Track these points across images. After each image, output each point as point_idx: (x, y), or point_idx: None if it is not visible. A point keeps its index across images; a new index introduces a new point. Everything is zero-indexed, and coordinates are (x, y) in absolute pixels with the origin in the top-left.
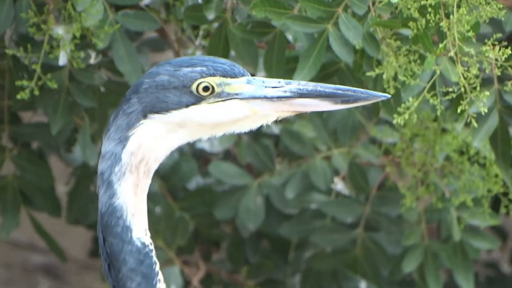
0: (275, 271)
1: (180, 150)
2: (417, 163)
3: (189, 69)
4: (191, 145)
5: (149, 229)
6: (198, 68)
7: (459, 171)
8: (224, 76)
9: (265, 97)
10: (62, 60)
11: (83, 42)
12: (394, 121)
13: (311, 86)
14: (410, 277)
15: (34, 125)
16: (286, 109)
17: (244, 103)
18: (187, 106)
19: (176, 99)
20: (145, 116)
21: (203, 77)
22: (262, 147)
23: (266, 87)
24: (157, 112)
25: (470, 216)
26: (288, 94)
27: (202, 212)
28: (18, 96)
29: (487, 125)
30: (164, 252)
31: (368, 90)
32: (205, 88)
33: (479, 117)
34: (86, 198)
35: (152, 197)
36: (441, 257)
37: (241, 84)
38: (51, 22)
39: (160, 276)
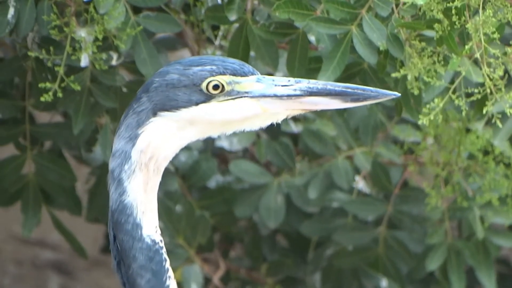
0: (295, 269)
1: (199, 149)
2: (441, 163)
3: (199, 68)
4: (210, 144)
5: (170, 228)
6: (208, 67)
7: (483, 170)
8: (234, 74)
9: (275, 96)
10: (84, 61)
11: (105, 43)
12: (420, 122)
13: (320, 84)
14: (431, 275)
15: (54, 125)
16: (296, 107)
17: (254, 101)
18: (197, 104)
19: (186, 97)
20: (155, 114)
21: (213, 75)
22: (282, 145)
23: (276, 85)
24: (167, 110)
25: (494, 214)
26: (298, 92)
27: (222, 211)
28: (42, 98)
29: (507, 125)
30: (184, 250)
31: (378, 89)
32: (215, 87)
33: (500, 117)
34: (106, 197)
35: (172, 196)
36: (464, 255)
37: (251, 83)
38: (73, 24)
39: (171, 272)
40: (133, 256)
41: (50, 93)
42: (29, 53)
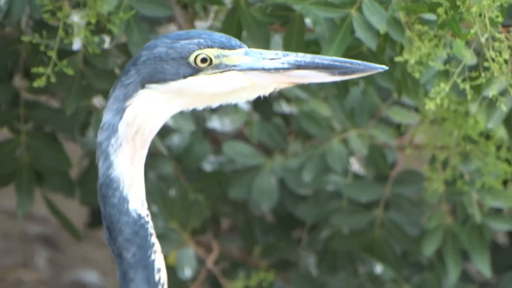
0: (288, 251)
1: (191, 130)
2: (439, 146)
3: (187, 41)
4: (201, 125)
5: (164, 211)
6: (196, 40)
7: (482, 154)
8: (221, 48)
9: (263, 69)
10: (77, 45)
11: (97, 27)
12: (426, 107)
13: (308, 57)
14: (426, 259)
15: (48, 109)
16: (284, 81)
17: (242, 74)
18: (184, 77)
19: (174, 70)
20: (142, 87)
21: (200, 48)
22: (274, 126)
23: (264, 58)
24: (155, 83)
25: (493, 197)
26: (285, 65)
27: (216, 194)
28: (35, 84)
29: (501, 108)
30: (178, 234)
31: (365, 62)
32: (203, 60)
33: (494, 100)
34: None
35: (166, 179)
36: (460, 239)
37: (239, 56)
38: (66, 9)
39: (157, 247)
40: (119, 230)
41: (43, 78)
42: (22, 38)
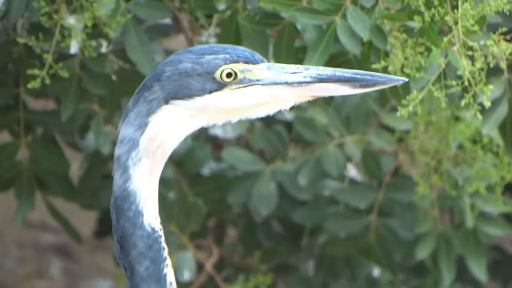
0: (288, 256)
1: (193, 136)
2: (430, 151)
3: (213, 56)
4: (204, 131)
5: (163, 214)
6: (222, 55)
7: (472, 159)
8: (246, 62)
9: (286, 83)
10: (74, 48)
11: (94, 31)
12: (398, 114)
13: (330, 71)
14: (423, 263)
15: (48, 113)
16: (306, 94)
17: (265, 89)
18: (210, 92)
19: (200, 86)
20: (167, 103)
21: (226, 63)
22: (275, 133)
23: (286, 72)
24: (180, 99)
25: (484, 203)
26: (308, 79)
27: (215, 198)
28: (29, 85)
29: (496, 114)
30: (177, 237)
31: (386, 75)
32: (228, 75)
33: (489, 106)
34: (98, 184)
35: (165, 183)
36: (453, 244)
37: (262, 70)
38: (63, 11)
39: (168, 261)
40: (133, 243)
41: (38, 80)
42: (18, 40)
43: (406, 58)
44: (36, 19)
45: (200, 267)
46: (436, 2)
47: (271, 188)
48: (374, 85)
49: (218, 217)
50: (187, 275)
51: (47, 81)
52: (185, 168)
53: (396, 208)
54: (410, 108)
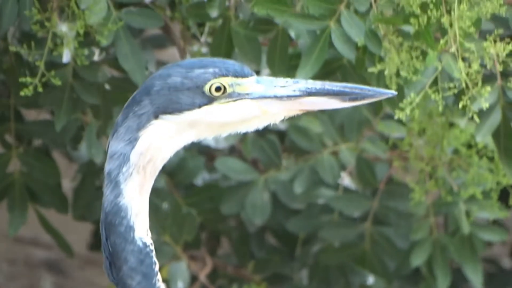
0: (282, 266)
1: (186, 147)
2: (425, 157)
3: (202, 70)
4: (196, 142)
5: (156, 225)
6: (211, 69)
7: (467, 164)
8: (235, 76)
9: (275, 97)
10: (66, 57)
11: (87, 39)
12: (396, 117)
13: (319, 84)
14: (418, 271)
15: (40, 123)
16: (295, 108)
17: (254, 103)
18: (199, 106)
19: (190, 100)
20: (156, 117)
21: (216, 77)
22: (268, 142)
23: (275, 86)
24: (170, 113)
25: (479, 209)
26: (297, 93)
27: (208, 208)
28: (22, 93)
29: (490, 121)
30: (171, 247)
31: (375, 88)
32: (217, 89)
33: (482, 113)
34: (91, 195)
35: (158, 193)
36: (449, 251)
37: (251, 84)
38: (55, 20)
39: (159, 276)
40: (125, 258)
41: (30, 88)
42: (10, 48)
43: (402, 62)
44: (27, 28)
45: (194, 278)
46: (431, 5)
47: (264, 197)
48: (363, 98)
49: (212, 227)
50: (180, 286)
51: (40, 89)
52: (178, 178)
53: (391, 216)
54: (408, 112)
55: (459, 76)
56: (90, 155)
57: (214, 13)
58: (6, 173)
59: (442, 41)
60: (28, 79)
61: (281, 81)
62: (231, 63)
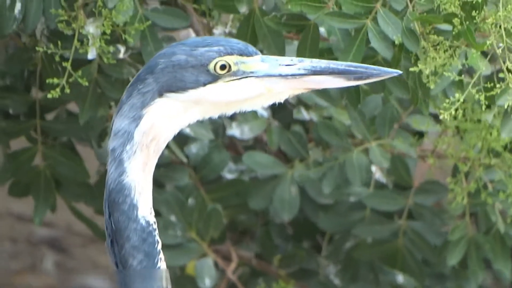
0: (308, 260)
1: (210, 138)
2: (462, 157)
3: (207, 48)
4: (221, 133)
5: (182, 221)
6: (215, 48)
7: (507, 166)
8: (240, 54)
9: (280, 75)
10: (92, 54)
11: (112, 36)
12: (441, 117)
13: (323, 63)
14: (447, 269)
15: (65, 120)
16: (300, 86)
17: (259, 81)
18: (204, 84)
19: (194, 78)
20: (160, 95)
21: (220, 55)
22: (294, 134)
23: (280, 65)
24: (174, 91)
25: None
26: (302, 71)
27: (234, 203)
28: (49, 95)
29: None
30: (197, 244)
31: (380, 67)
32: (222, 67)
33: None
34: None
35: (184, 189)
36: (483, 249)
37: (256, 63)
38: (81, 19)
39: (162, 255)
40: (127, 236)
41: (58, 89)
42: (37, 48)
43: (444, 61)
44: (53, 26)
45: (220, 273)
46: (471, 5)
47: (293, 191)
48: (368, 77)
49: (238, 222)
50: (208, 283)
51: (67, 90)
52: (203, 173)
53: (426, 214)
54: (453, 112)
55: (505, 76)
56: None
57: (242, 8)
58: (32, 167)
59: (488, 42)
60: (55, 80)
61: (286, 59)
62: (235, 42)
